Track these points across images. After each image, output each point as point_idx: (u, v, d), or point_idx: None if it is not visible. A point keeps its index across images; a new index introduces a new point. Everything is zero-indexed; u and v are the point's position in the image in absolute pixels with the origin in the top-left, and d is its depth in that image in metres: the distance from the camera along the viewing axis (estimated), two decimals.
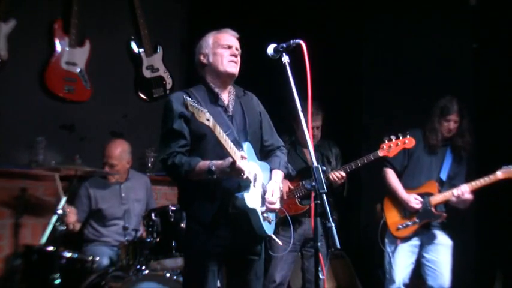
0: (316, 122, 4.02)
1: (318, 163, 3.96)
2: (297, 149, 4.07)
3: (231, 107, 2.82)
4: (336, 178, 3.77)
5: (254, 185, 2.67)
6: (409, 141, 3.76)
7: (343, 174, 3.78)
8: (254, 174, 2.68)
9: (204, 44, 2.85)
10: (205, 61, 2.83)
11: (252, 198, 2.63)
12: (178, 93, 2.82)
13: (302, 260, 4.07)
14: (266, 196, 2.73)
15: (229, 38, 2.83)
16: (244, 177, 2.56)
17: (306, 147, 4.05)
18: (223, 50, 2.79)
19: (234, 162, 2.51)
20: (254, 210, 2.64)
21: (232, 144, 2.56)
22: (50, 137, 4.51)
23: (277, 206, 2.76)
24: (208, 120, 2.43)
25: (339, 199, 4.06)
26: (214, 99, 2.79)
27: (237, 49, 2.82)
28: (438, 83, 4.77)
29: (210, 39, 2.84)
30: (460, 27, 4.95)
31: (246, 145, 2.72)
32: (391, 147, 3.75)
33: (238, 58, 2.83)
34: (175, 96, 2.78)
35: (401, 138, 3.77)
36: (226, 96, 2.85)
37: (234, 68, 2.79)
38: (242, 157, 2.55)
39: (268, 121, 3.01)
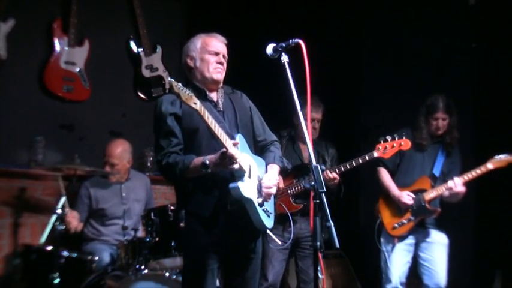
0: (317, 114, 3.99)
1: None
2: (295, 145, 4.04)
3: (220, 103, 2.85)
4: (327, 178, 3.69)
5: (249, 176, 2.67)
6: (405, 143, 3.72)
7: (335, 175, 3.72)
8: (249, 166, 2.68)
9: (191, 47, 2.87)
10: (192, 64, 2.86)
11: (247, 188, 2.61)
12: (166, 95, 2.86)
13: (296, 261, 4.02)
14: (262, 181, 2.73)
15: (217, 44, 2.85)
16: (236, 166, 2.55)
17: (305, 143, 4.05)
18: (211, 56, 2.82)
19: (225, 151, 2.51)
20: (250, 200, 2.62)
21: (222, 131, 2.56)
22: (49, 136, 4.50)
23: (273, 191, 2.76)
24: (195, 103, 2.45)
25: (336, 201, 4.01)
26: (203, 96, 2.79)
27: (224, 56, 2.85)
28: (438, 82, 4.77)
29: (198, 42, 2.86)
30: (459, 27, 4.94)
31: (239, 136, 2.72)
32: (387, 148, 3.70)
33: (225, 65, 2.86)
34: (164, 98, 2.82)
35: (397, 139, 3.72)
36: (215, 94, 2.87)
37: (219, 75, 2.83)
38: (234, 144, 2.56)
39: (259, 117, 3.02)
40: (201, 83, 2.84)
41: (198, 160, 2.61)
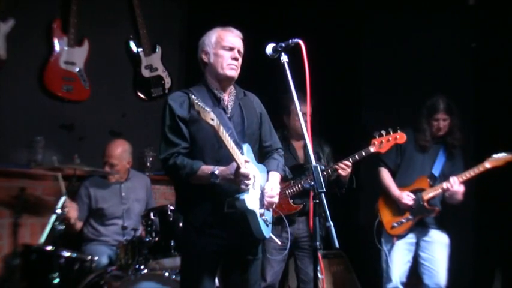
0: (305, 108, 3.91)
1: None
2: (290, 146, 3.96)
3: (229, 108, 2.80)
4: (343, 167, 3.68)
5: (253, 187, 2.66)
6: (400, 137, 3.71)
7: (349, 163, 3.68)
8: (253, 176, 2.67)
9: (206, 41, 2.80)
10: (206, 60, 2.80)
11: (251, 200, 2.62)
12: (177, 94, 2.80)
13: (295, 261, 4.01)
14: (265, 191, 2.72)
15: (233, 39, 2.77)
16: (247, 186, 2.56)
17: (299, 139, 4.01)
18: (225, 52, 2.74)
19: (238, 168, 2.51)
20: (253, 212, 2.63)
21: (235, 146, 2.55)
22: (49, 136, 4.50)
23: (276, 200, 2.75)
24: (212, 119, 2.41)
25: (350, 192, 3.96)
26: (216, 101, 2.77)
27: (239, 51, 2.78)
28: (437, 82, 4.77)
29: (213, 36, 2.79)
30: (459, 27, 4.94)
31: (246, 146, 2.71)
32: (383, 143, 3.69)
33: (240, 61, 2.79)
34: (175, 96, 2.77)
35: (392, 133, 3.71)
36: (226, 97, 2.82)
37: (233, 72, 2.76)
38: (245, 161, 2.56)
39: (269, 122, 2.99)
40: (214, 81, 2.79)
41: (207, 168, 2.59)
